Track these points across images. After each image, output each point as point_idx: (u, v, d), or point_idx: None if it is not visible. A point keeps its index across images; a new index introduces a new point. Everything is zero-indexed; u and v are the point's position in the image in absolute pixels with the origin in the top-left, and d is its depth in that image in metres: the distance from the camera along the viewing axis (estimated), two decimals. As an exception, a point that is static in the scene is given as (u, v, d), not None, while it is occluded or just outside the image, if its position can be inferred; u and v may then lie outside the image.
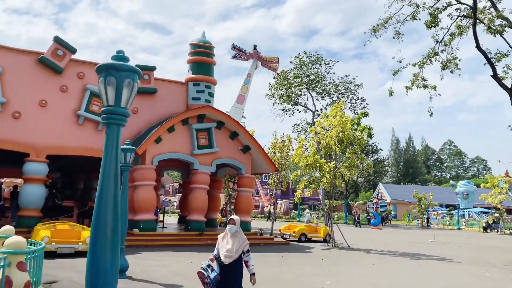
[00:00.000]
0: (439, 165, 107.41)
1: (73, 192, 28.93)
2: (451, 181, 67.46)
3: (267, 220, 44.72)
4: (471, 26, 19.53)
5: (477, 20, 19.21)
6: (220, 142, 19.84)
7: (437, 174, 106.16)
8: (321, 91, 54.76)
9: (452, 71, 20.63)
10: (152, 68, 19.91)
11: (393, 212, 60.16)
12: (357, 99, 55.20)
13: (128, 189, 19.05)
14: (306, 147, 25.10)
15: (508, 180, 43.72)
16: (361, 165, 26.78)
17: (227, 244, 6.09)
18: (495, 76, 19.19)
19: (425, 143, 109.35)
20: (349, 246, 20.23)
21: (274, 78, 55.63)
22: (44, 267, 10.82)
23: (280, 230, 23.47)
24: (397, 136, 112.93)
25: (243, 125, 24.11)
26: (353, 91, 54.88)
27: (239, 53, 31.60)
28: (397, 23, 20.82)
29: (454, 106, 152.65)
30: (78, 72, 18.29)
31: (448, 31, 20.22)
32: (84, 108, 18.18)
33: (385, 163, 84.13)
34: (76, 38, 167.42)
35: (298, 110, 55.68)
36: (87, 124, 18.32)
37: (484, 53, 19.09)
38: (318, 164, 20.91)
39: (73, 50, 18.02)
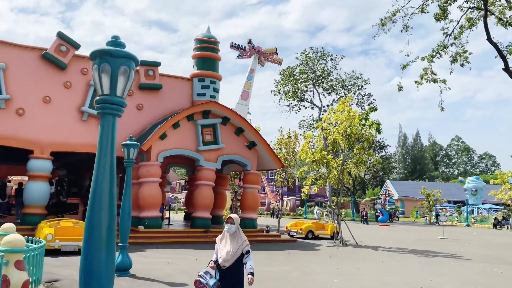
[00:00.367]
0: (447, 161, 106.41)
1: (79, 190, 28.88)
2: (460, 177, 66.78)
3: (271, 217, 44.51)
4: (482, 18, 19.06)
5: (488, 12, 18.73)
6: (226, 138, 19.58)
7: (445, 170, 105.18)
8: (327, 87, 54.27)
9: (462, 65, 20.17)
10: (156, 64, 19.67)
11: (400, 209, 59.62)
12: (364, 94, 54.69)
13: (131, 185, 19.04)
14: (312, 143, 24.78)
15: (518, 176, 43.00)
16: (370, 161, 26.41)
17: (225, 246, 5.58)
18: (507, 69, 18.65)
19: (432, 139, 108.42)
20: (357, 243, 19.92)
21: (280, 74, 55.28)
22: (47, 265, 10.65)
23: (286, 227, 23.20)
24: (405, 132, 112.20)
25: (249, 122, 23.84)
26: (360, 87, 54.37)
27: (238, 50, 31.40)
28: (405, 16, 20.43)
29: (461, 102, 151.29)
30: (82, 68, 18.09)
31: (458, 24, 19.76)
32: (88, 104, 17.99)
33: (392, 160, 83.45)
34: (83, 37, 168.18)
35: (304, 106, 55.28)
36: (91, 120, 18.13)
37: (495, 45, 18.57)
38: (325, 160, 20.58)
39: (76, 46, 17.82)
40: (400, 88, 19.57)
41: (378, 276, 11.64)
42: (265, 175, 52.64)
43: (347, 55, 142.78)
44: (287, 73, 54.94)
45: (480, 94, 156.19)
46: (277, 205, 48.26)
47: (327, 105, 51.69)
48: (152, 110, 19.46)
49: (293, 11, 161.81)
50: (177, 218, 31.34)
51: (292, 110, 55.36)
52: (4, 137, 16.41)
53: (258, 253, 15.22)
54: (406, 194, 63.23)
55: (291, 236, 21.98)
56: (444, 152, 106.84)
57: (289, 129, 25.40)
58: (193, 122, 18.92)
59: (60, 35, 17.52)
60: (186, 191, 29.56)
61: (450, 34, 19.81)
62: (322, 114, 47.64)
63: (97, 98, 3.92)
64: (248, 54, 32.14)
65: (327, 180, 22.18)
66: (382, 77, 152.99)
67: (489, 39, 18.70)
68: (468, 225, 45.14)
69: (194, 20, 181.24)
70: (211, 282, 5.52)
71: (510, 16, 18.38)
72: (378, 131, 19.76)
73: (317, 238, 22.07)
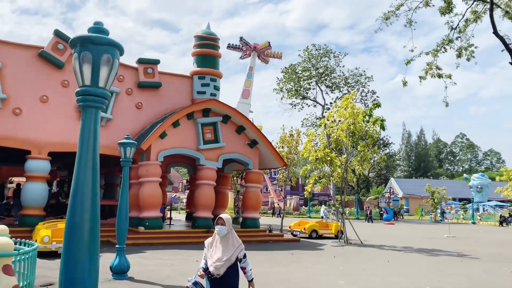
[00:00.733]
0: (451, 158, 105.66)
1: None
2: (465, 175, 66.20)
3: (272, 216, 44.22)
4: (487, 11, 18.63)
5: (494, 5, 18.30)
6: (227, 136, 19.24)
7: (449, 167, 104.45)
8: (330, 84, 53.79)
9: (468, 59, 19.75)
10: (156, 62, 19.35)
11: (405, 207, 59.15)
12: (368, 92, 54.20)
13: (129, 185, 18.74)
14: (315, 142, 24.40)
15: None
16: (374, 158, 26.03)
17: (216, 252, 4.73)
18: (514, 62, 18.25)
19: (436, 137, 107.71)
20: (362, 243, 19.54)
21: (282, 72, 54.88)
22: (42, 267, 10.36)
23: (290, 227, 22.84)
24: (409, 129, 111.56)
25: (251, 120, 23.52)
26: (363, 84, 53.89)
27: (235, 50, 31.14)
28: (409, 10, 20.04)
29: (465, 99, 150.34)
30: (80, 67, 17.77)
31: (463, 17, 19.35)
32: (86, 103, 17.66)
33: (396, 157, 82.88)
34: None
35: (307, 104, 54.85)
36: (90, 119, 17.80)
37: (502, 39, 18.14)
38: (328, 158, 20.21)
39: (74, 44, 17.49)
40: (404, 83, 19.18)
41: (384, 276, 11.27)
42: (268, 174, 52.29)
43: (350, 53, 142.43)
44: (289, 70, 54.54)
45: (484, 91, 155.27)
46: (278, 204, 47.97)
47: (330, 103, 51.28)
48: (151, 108, 19.15)
49: (294, 10, 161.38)
50: (179, 218, 31.06)
51: (295, 108, 54.95)
52: (1, 137, 16.13)
53: (261, 254, 14.89)
54: (411, 192, 62.74)
55: (295, 235, 21.62)
56: (448, 149, 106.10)
57: (292, 127, 25.03)
58: (193, 120, 18.59)
59: (57, 33, 17.22)
60: (188, 191, 29.29)
61: (455, 28, 19.40)
62: (325, 112, 47.28)
63: (78, 89, 3.58)
64: (248, 53, 31.82)
65: (331, 178, 21.79)
66: (385, 74, 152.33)
67: (495, 32, 18.26)
68: (474, 223, 44.64)
69: (196, 19, 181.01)
70: None
71: (517, 9, 17.93)
72: (383, 127, 19.35)
73: (321, 237, 21.72)
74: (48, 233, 12.50)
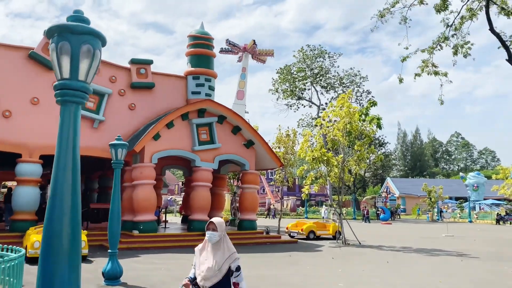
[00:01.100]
0: (447, 157, 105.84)
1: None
2: (461, 173, 66.21)
3: (267, 218, 43.95)
4: (483, 8, 18.49)
5: (490, 2, 18.15)
6: (222, 137, 18.95)
7: (445, 166, 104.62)
8: (325, 84, 53.69)
9: (465, 56, 19.60)
10: (148, 62, 19.04)
11: (402, 206, 59.04)
12: (363, 92, 54.17)
13: (122, 188, 18.38)
14: (312, 142, 24.15)
15: (521, 170, 42.50)
16: (372, 157, 25.76)
17: (206, 260, 4.12)
18: (510, 59, 18.10)
19: (432, 136, 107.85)
20: (360, 243, 19.30)
21: (278, 72, 54.70)
22: (31, 274, 10.00)
23: (287, 228, 22.55)
24: (404, 129, 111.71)
25: (247, 121, 23.24)
26: (358, 84, 53.83)
27: (228, 53, 31.02)
28: (404, 7, 19.87)
29: (459, 98, 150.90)
30: (71, 68, 17.42)
31: (458, 14, 19.18)
32: (78, 105, 17.31)
33: (392, 157, 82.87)
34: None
35: (302, 105, 54.72)
36: (81, 121, 17.40)
37: (498, 36, 18.00)
38: (325, 158, 19.96)
39: (65, 45, 17.16)
40: (400, 80, 18.97)
41: (385, 278, 11.02)
42: (264, 175, 52.04)
43: (344, 54, 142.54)
44: (284, 71, 54.37)
45: (479, 90, 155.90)
46: (273, 205, 47.69)
47: (326, 103, 51.13)
48: (145, 110, 18.83)
49: (289, 11, 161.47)
50: (175, 221, 30.71)
51: (291, 108, 54.82)
52: (-9, 141, 15.76)
53: (258, 256, 14.61)
54: (407, 192, 62.66)
55: (292, 237, 21.36)
56: (444, 149, 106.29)
57: (288, 127, 24.78)
58: (188, 121, 18.29)
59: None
60: (184, 193, 28.93)
61: (451, 25, 19.23)
62: (321, 112, 47.13)
63: (56, 83, 3.30)
64: (236, 52, 31.68)
65: (328, 178, 21.55)
66: (380, 74, 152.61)
67: (491, 29, 18.12)
68: (470, 221, 44.56)
69: (191, 22, 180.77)
70: None
71: (513, 5, 17.79)
72: (379, 126, 19.13)
73: (318, 238, 21.45)
74: (39, 239, 12.13)
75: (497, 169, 46.15)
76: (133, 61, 18.77)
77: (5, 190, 32.11)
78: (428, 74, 18.90)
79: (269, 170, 44.50)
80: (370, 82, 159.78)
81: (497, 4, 18.37)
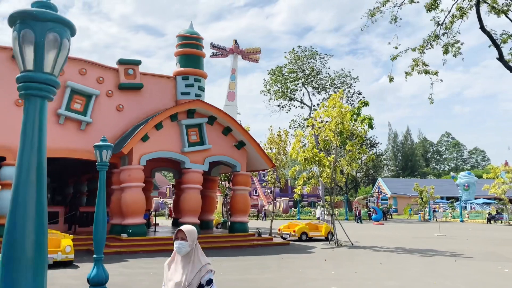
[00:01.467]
0: (438, 157, 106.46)
1: (63, 197, 27.79)
2: (452, 173, 66.55)
3: (258, 219, 43.64)
4: (474, 7, 18.44)
5: (480, 0, 18.11)
6: (213, 138, 18.66)
7: (436, 166, 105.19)
8: (317, 85, 53.65)
9: (454, 55, 19.54)
10: (137, 62, 18.70)
11: (393, 207, 59.12)
12: (354, 92, 54.20)
13: (111, 191, 18.01)
14: (304, 143, 23.96)
15: (511, 170, 42.73)
16: (363, 157, 25.62)
17: (174, 275, 3.65)
18: (501, 58, 18.03)
19: (422, 136, 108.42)
20: (352, 244, 19.10)
21: (269, 73, 54.54)
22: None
23: (279, 230, 22.29)
24: (395, 129, 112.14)
25: (239, 122, 22.95)
26: (349, 85, 53.83)
27: (218, 57, 30.94)
28: (394, 6, 19.77)
29: (449, 98, 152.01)
30: (57, 68, 17.02)
31: (449, 13, 19.12)
32: (64, 106, 16.96)
33: (384, 157, 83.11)
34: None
35: (294, 106, 54.63)
36: (68, 123, 17.11)
37: (489, 34, 17.92)
38: (317, 158, 19.76)
39: (50, 45, 16.77)
40: (391, 79, 18.82)
41: (378, 280, 10.80)
42: (256, 176, 51.78)
43: (335, 55, 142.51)
44: (276, 72, 54.23)
45: (468, 90, 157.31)
46: (263, 206, 47.43)
47: (317, 104, 51.08)
48: (133, 111, 18.47)
49: (280, 13, 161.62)
50: (166, 224, 30.32)
51: (282, 110, 54.65)
52: (-27, 144, 15.31)
53: (249, 259, 14.34)
54: (399, 192, 62.79)
55: (284, 238, 21.11)
56: (434, 149, 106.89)
57: (279, 128, 24.52)
58: (177, 122, 17.97)
59: (32, 34, 16.45)
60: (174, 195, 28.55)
61: (442, 24, 19.15)
62: (313, 113, 47.06)
63: (18, 75, 3.00)
64: (226, 54, 31.50)
65: (320, 179, 21.34)
66: (370, 76, 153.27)
67: (482, 27, 18.03)
68: (462, 221, 44.69)
69: (181, 24, 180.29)
70: None
71: (503, 4, 17.76)
72: (371, 126, 18.95)
73: (311, 239, 21.22)
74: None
75: (488, 168, 46.33)
76: (121, 62, 18.41)
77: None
78: (418, 73, 18.77)
79: (261, 172, 44.29)
80: (361, 83, 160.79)
81: (487, 3, 18.33)
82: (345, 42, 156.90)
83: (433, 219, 44.90)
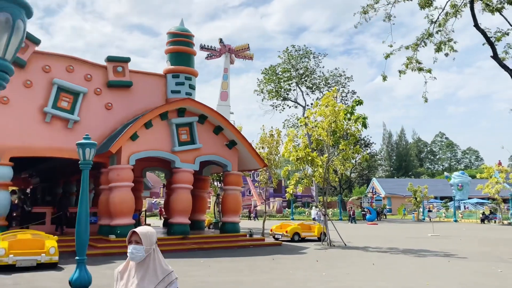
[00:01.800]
0: (432, 157, 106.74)
1: (53, 198, 27.33)
2: (446, 173, 66.61)
3: (249, 219, 43.36)
4: (468, 5, 18.28)
5: (474, -2, 17.94)
6: (203, 137, 18.33)
7: (430, 166, 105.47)
8: (310, 85, 53.46)
9: (446, 54, 19.38)
10: (126, 60, 18.34)
11: (388, 207, 59.06)
12: (348, 92, 54.08)
13: (98, 191, 17.62)
14: (297, 143, 23.70)
15: (505, 169, 42.78)
16: (357, 157, 25.41)
17: (129, 284, 3.03)
18: (495, 56, 17.87)
19: (416, 136, 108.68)
20: (345, 245, 18.86)
21: (263, 73, 54.28)
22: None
23: (271, 230, 22.00)
24: (389, 129, 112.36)
25: (232, 123, 22.64)
26: (343, 84, 53.70)
27: (213, 58, 30.72)
28: (388, 4, 19.58)
29: (443, 99, 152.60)
30: (44, 65, 16.65)
31: (443, 11, 18.95)
32: (51, 104, 16.56)
33: (378, 157, 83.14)
34: (63, 42, 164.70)
35: (288, 105, 54.43)
36: (55, 122, 16.71)
37: (483, 32, 17.76)
38: (309, 158, 19.51)
39: (36, 41, 16.41)
40: (384, 78, 18.60)
41: (370, 281, 10.56)
42: (250, 177, 51.48)
43: (330, 55, 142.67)
44: (269, 71, 53.98)
45: (462, 91, 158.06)
46: (256, 207, 47.15)
47: (311, 104, 50.90)
48: (122, 109, 18.10)
49: (275, 13, 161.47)
50: (158, 224, 29.95)
51: (276, 109, 54.43)
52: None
53: (240, 260, 14.05)
54: (393, 192, 62.77)
55: (276, 239, 20.82)
56: (428, 149, 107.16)
57: (272, 127, 24.24)
58: (167, 121, 17.63)
59: (18, 30, 16.04)
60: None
61: (435, 22, 18.99)
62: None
63: (-36, 59, 2.71)
64: (218, 55, 31.25)
65: (313, 179, 21.09)
66: (365, 76, 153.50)
67: (476, 25, 17.85)
68: (456, 221, 44.68)
69: (176, 23, 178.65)
70: None
71: (497, 1, 17.60)
72: (364, 125, 18.72)
73: (303, 240, 20.96)
74: (5, 245, 11.39)
75: (482, 168, 46.32)
76: (110, 59, 18.04)
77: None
78: (412, 70, 18.58)
79: (254, 172, 44.02)
80: (356, 83, 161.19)
81: (481, 0, 18.18)
82: (339, 42, 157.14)
83: (429, 218, 44.87)
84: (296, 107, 54.44)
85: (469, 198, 56.12)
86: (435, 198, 59.55)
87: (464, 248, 18.27)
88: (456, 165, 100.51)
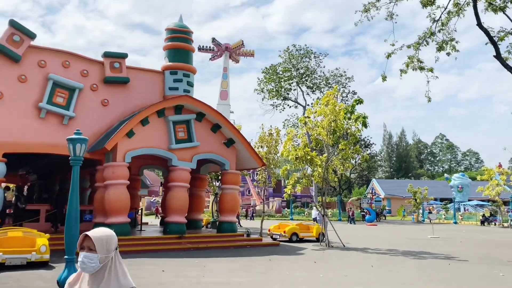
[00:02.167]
0: (432, 159, 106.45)
1: (50, 195, 27.06)
2: (446, 174, 66.30)
3: (246, 219, 43.09)
4: (470, 3, 18.00)
5: (478, -4, 17.66)
6: (201, 135, 18.04)
7: (430, 168, 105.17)
8: (311, 85, 53.20)
9: (448, 54, 19.10)
10: (123, 56, 18.05)
11: (387, 208, 58.78)
12: (348, 92, 53.81)
13: (94, 188, 17.33)
14: (297, 143, 23.42)
15: (505, 172, 42.48)
16: (357, 157, 25.13)
17: None
18: (498, 56, 17.60)
19: (417, 137, 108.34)
20: (344, 246, 18.57)
21: (263, 72, 54.01)
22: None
23: (269, 230, 21.72)
24: (390, 130, 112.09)
25: (232, 122, 22.40)
26: (344, 85, 53.42)
27: (215, 58, 30.49)
28: (390, 2, 19.30)
29: (444, 100, 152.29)
30: (39, 60, 16.37)
31: (445, 10, 18.67)
32: (46, 100, 16.27)
33: (378, 158, 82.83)
34: (64, 41, 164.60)
35: (288, 105, 54.16)
36: (50, 117, 16.43)
37: (486, 31, 17.49)
38: (309, 157, 19.22)
39: (32, 36, 16.13)
40: (384, 78, 18.32)
41: (369, 284, 10.27)
42: (249, 176, 51.21)
43: (331, 56, 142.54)
44: (270, 71, 53.70)
45: (463, 93, 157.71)
46: (254, 206, 46.87)
47: (311, 103, 50.64)
48: (119, 106, 17.82)
49: (276, 13, 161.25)
50: (155, 223, 29.67)
51: (276, 109, 54.16)
52: None
53: (236, 260, 13.77)
54: (393, 193, 62.47)
55: (274, 239, 20.53)
56: (428, 150, 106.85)
57: (271, 126, 23.95)
58: (164, 118, 17.34)
59: (13, 24, 15.78)
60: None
61: (437, 20, 18.71)
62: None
63: None
64: (219, 54, 30.98)
65: (312, 178, 20.81)
66: (366, 77, 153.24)
67: (479, 24, 17.58)
68: (455, 223, 44.39)
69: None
70: None
71: (501, 0, 17.32)
72: (365, 125, 18.42)
73: (302, 240, 20.67)
74: (-5, 243, 11.11)
75: (482, 170, 46.03)
76: (107, 55, 17.75)
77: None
78: (413, 69, 18.30)
79: (254, 171, 43.75)
80: (356, 84, 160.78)
81: (484, -1, 17.88)
82: (341, 43, 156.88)
83: (429, 220, 44.55)
84: (296, 107, 54.22)
85: (469, 200, 55.84)
86: (435, 199, 59.28)
87: (464, 250, 17.98)
88: (456, 167, 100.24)
